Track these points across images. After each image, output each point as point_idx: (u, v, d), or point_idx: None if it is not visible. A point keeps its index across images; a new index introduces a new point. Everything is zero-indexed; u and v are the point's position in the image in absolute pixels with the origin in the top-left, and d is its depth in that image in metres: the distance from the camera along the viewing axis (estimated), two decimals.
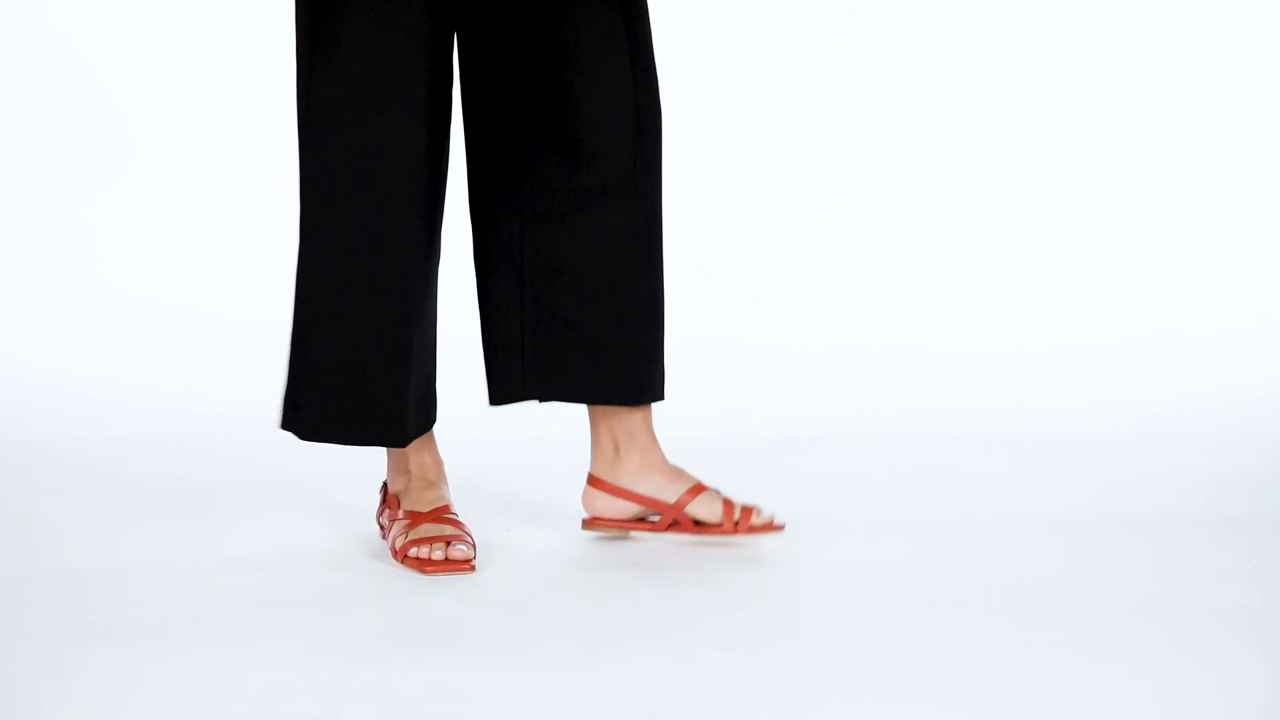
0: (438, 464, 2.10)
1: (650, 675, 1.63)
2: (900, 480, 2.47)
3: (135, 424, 2.86)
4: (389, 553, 2.04)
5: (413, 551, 1.98)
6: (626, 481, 2.11)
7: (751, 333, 3.50)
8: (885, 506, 2.31)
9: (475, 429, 2.77)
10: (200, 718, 1.52)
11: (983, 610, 1.84)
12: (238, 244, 3.66)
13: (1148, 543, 2.12)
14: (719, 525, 2.09)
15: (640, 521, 2.12)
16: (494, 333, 2.13)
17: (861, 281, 3.62)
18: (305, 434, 2.06)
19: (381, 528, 2.09)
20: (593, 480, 2.13)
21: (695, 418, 2.83)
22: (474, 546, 1.99)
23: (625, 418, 2.12)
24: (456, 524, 2.02)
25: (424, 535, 1.99)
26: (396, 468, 2.09)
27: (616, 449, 2.12)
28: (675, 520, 2.10)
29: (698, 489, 2.10)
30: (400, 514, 2.04)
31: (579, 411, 2.18)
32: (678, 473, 2.12)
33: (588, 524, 2.14)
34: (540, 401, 2.15)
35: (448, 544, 1.97)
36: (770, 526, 2.10)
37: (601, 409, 2.13)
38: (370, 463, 2.28)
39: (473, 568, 1.97)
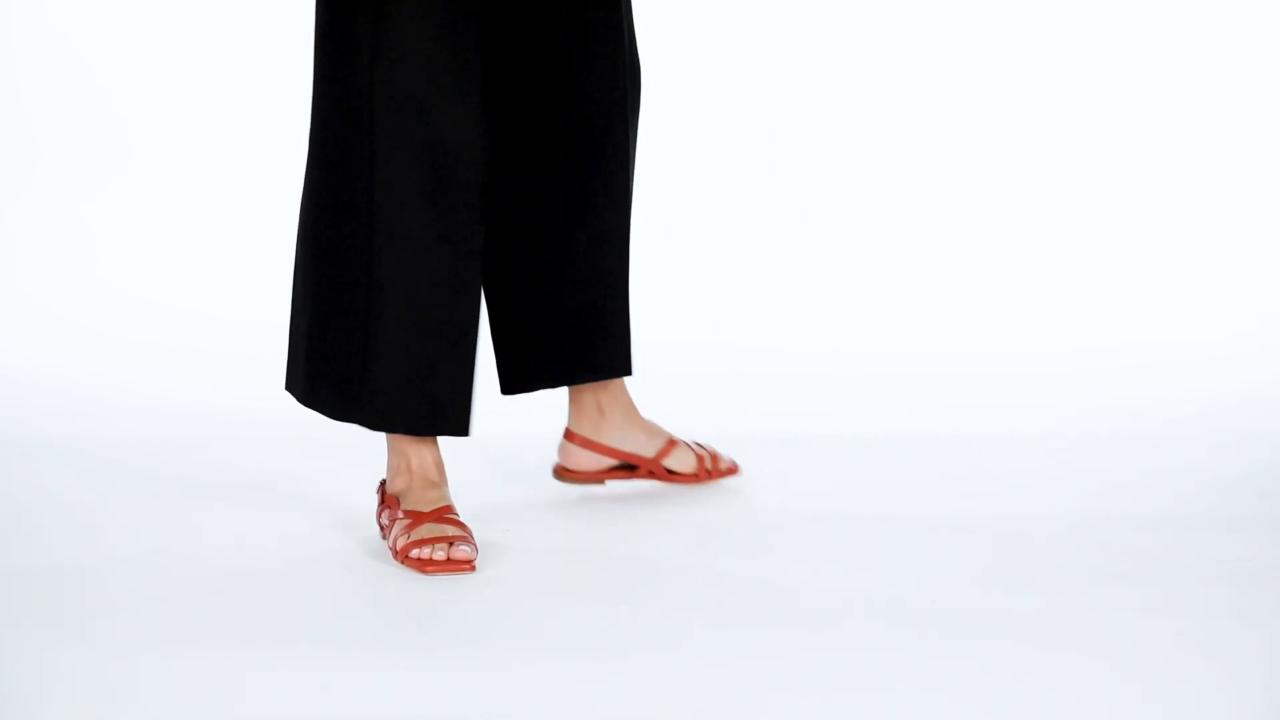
0: (439, 464, 2.10)
1: (650, 675, 1.63)
2: (899, 480, 2.47)
3: (135, 424, 2.86)
4: (389, 553, 2.03)
5: (414, 552, 1.97)
6: (612, 439, 2.30)
7: (751, 333, 3.50)
8: (884, 506, 2.31)
9: (475, 428, 2.76)
10: (200, 718, 1.52)
11: (983, 610, 1.84)
12: (238, 244, 3.65)
13: (1148, 543, 2.12)
14: (693, 475, 2.35)
15: (614, 471, 2.32)
16: (504, 324, 2.23)
17: (861, 282, 3.62)
18: (374, 424, 2.07)
19: (382, 528, 2.09)
20: (572, 436, 2.31)
21: (696, 418, 2.82)
22: (476, 548, 1.99)
23: (610, 382, 2.30)
24: (459, 524, 2.02)
25: (426, 536, 1.98)
26: (398, 468, 2.09)
27: (601, 410, 2.30)
28: (651, 470, 2.33)
29: (672, 443, 2.34)
30: (400, 514, 2.03)
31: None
32: (655, 429, 2.33)
33: (563, 475, 2.33)
34: (552, 388, 2.28)
35: (450, 544, 1.97)
36: (732, 470, 2.39)
37: None
38: (370, 463, 2.28)
39: (473, 568, 1.97)
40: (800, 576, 2.00)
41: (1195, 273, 3.57)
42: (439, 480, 2.08)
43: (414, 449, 2.08)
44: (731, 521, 2.24)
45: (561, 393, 2.37)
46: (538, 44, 2.16)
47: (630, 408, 2.32)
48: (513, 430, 2.71)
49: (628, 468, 2.33)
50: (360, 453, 2.39)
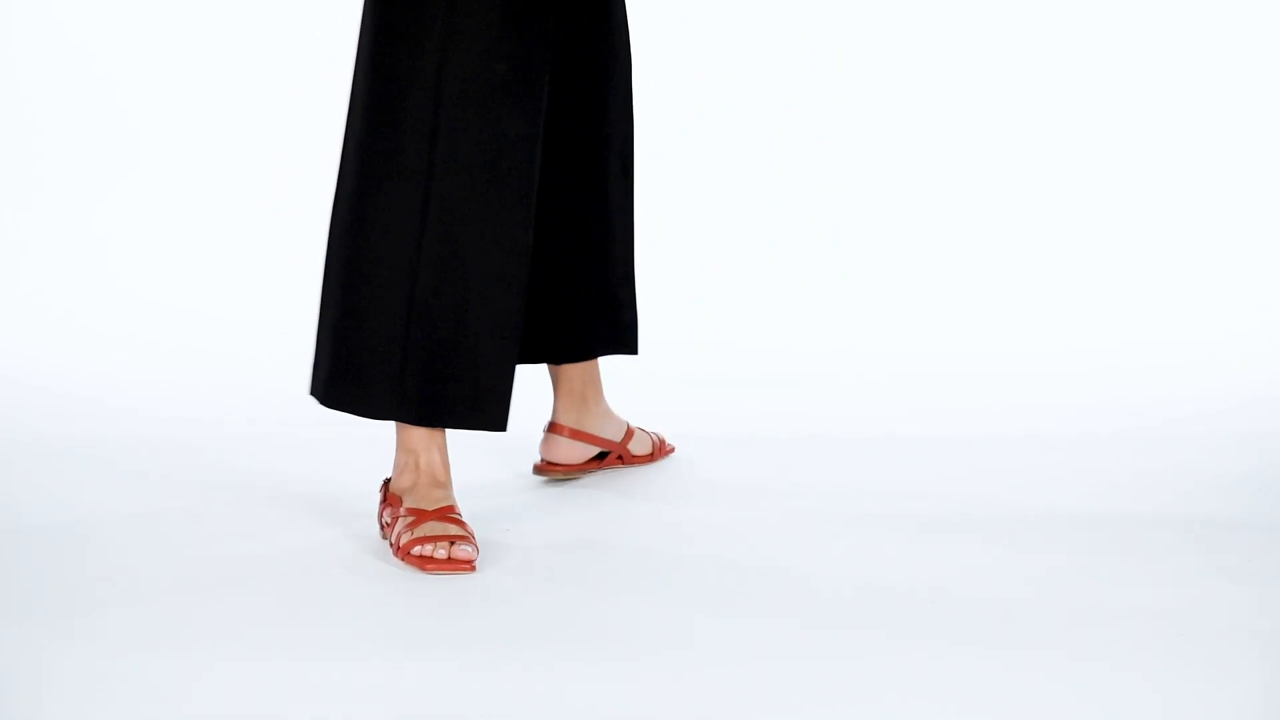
0: (446, 464, 2.10)
1: (650, 675, 1.63)
2: (899, 480, 2.47)
3: (135, 424, 2.86)
4: (389, 550, 2.03)
5: (415, 550, 1.97)
6: (593, 426, 2.40)
7: (751, 333, 3.50)
8: (884, 507, 2.31)
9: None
10: (200, 718, 1.52)
11: (982, 611, 1.84)
12: (244, 245, 3.66)
13: (1148, 543, 2.12)
14: (649, 456, 2.51)
15: (591, 461, 2.43)
16: (533, 301, 2.29)
17: (861, 281, 3.62)
18: (418, 419, 2.05)
19: (383, 526, 2.09)
20: (557, 428, 2.39)
21: (695, 417, 2.83)
22: (477, 548, 1.99)
23: (591, 369, 2.40)
24: (461, 524, 2.02)
25: (428, 534, 1.98)
26: (405, 465, 2.08)
27: (585, 397, 2.39)
28: (620, 455, 2.47)
29: (631, 429, 2.48)
30: (403, 511, 2.03)
31: None
32: (616, 416, 2.46)
33: (545, 470, 2.40)
34: (571, 362, 2.37)
35: (451, 543, 1.97)
36: (670, 450, 2.56)
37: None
38: (371, 463, 2.28)
39: (473, 568, 1.97)
40: (800, 576, 2.00)
41: (1195, 273, 3.57)
42: (445, 480, 2.08)
43: (424, 447, 2.08)
44: (731, 521, 2.24)
45: (548, 394, 2.43)
46: (563, 44, 2.21)
47: (602, 395, 2.43)
48: (513, 431, 2.71)
49: (601, 455, 2.45)
50: (363, 452, 2.40)
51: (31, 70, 3.77)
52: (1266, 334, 3.38)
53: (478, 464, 2.44)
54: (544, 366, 2.41)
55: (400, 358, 2.03)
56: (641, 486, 2.40)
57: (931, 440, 2.73)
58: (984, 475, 2.50)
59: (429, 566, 1.96)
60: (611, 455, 2.46)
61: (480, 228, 2.01)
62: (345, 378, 2.05)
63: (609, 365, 2.49)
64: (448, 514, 2.02)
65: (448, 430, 2.11)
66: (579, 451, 2.42)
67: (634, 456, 2.50)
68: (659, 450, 2.55)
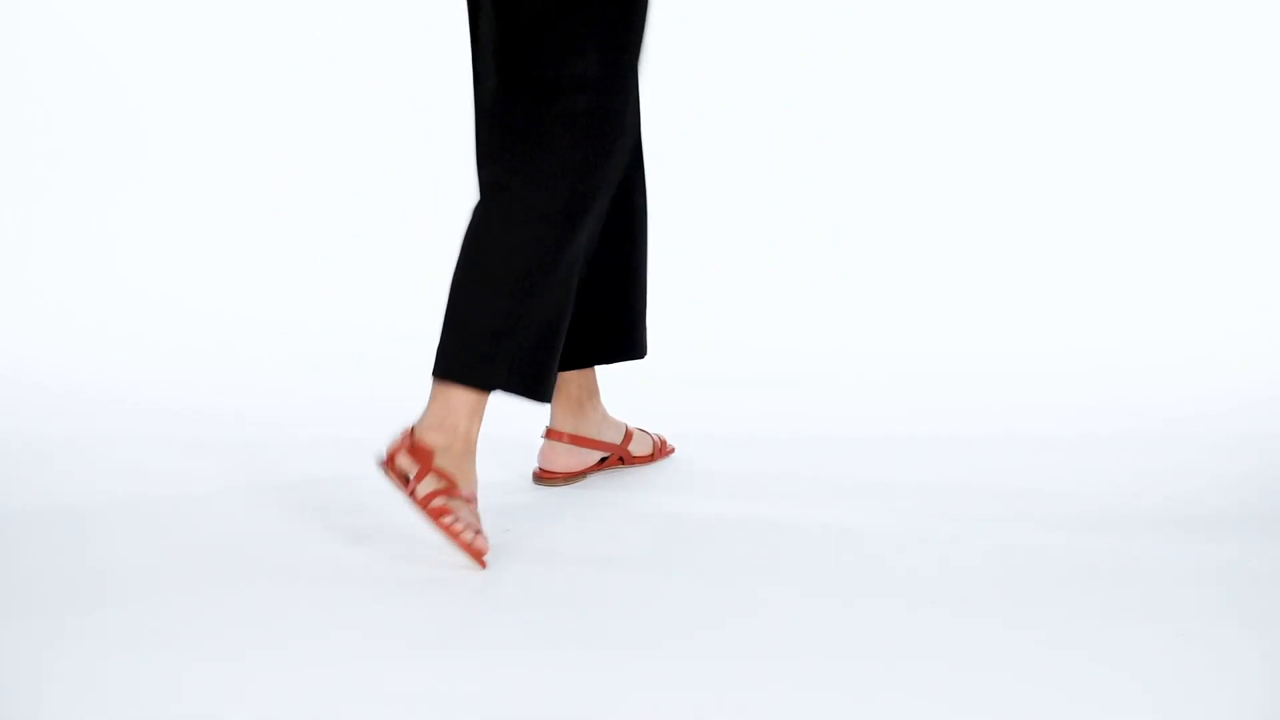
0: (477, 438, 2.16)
1: (650, 675, 1.63)
2: (899, 481, 2.47)
3: (135, 424, 2.86)
4: (402, 496, 2.07)
5: (447, 519, 2.02)
6: (591, 431, 2.43)
7: (752, 333, 3.50)
8: (884, 507, 2.31)
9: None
10: (200, 717, 1.52)
11: (983, 611, 1.84)
12: (254, 246, 3.66)
13: (1148, 543, 2.12)
14: (649, 456, 2.53)
15: (591, 467, 2.43)
16: None
17: (861, 281, 3.62)
18: (544, 396, 2.15)
19: (398, 469, 2.08)
20: (555, 434, 2.41)
21: (695, 417, 2.83)
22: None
23: (589, 374, 2.42)
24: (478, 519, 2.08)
25: (462, 514, 2.04)
26: (446, 426, 2.09)
27: (581, 402, 2.42)
28: (620, 457, 2.48)
29: (630, 431, 2.50)
30: (435, 471, 2.06)
31: None
32: (614, 419, 2.48)
33: (544, 478, 2.41)
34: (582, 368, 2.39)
35: (476, 533, 2.04)
36: (670, 451, 2.57)
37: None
38: (370, 463, 2.28)
39: (484, 565, 2.02)
40: (801, 576, 2.00)
41: (1195, 274, 3.57)
42: (474, 453, 2.13)
43: (471, 419, 2.10)
44: (732, 521, 2.24)
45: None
46: None
47: (599, 399, 2.46)
48: (513, 431, 2.72)
49: (602, 460, 2.46)
50: (366, 453, 2.40)
51: (42, 72, 3.78)
52: (1266, 334, 3.38)
53: (478, 464, 2.44)
54: None
55: (539, 343, 2.13)
56: (642, 486, 2.40)
57: (931, 440, 2.74)
58: (983, 475, 2.50)
59: (453, 539, 2.01)
60: (612, 457, 2.47)
61: (596, 226, 2.20)
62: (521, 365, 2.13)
63: (610, 366, 2.49)
64: (473, 506, 2.08)
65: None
66: (578, 459, 2.43)
67: (634, 457, 2.51)
68: (659, 451, 2.56)
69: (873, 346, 3.39)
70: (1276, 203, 3.67)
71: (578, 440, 2.42)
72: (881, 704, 1.55)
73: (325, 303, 3.58)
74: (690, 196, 3.71)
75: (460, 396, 2.08)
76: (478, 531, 2.03)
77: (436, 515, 2.02)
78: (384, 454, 2.08)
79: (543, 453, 2.42)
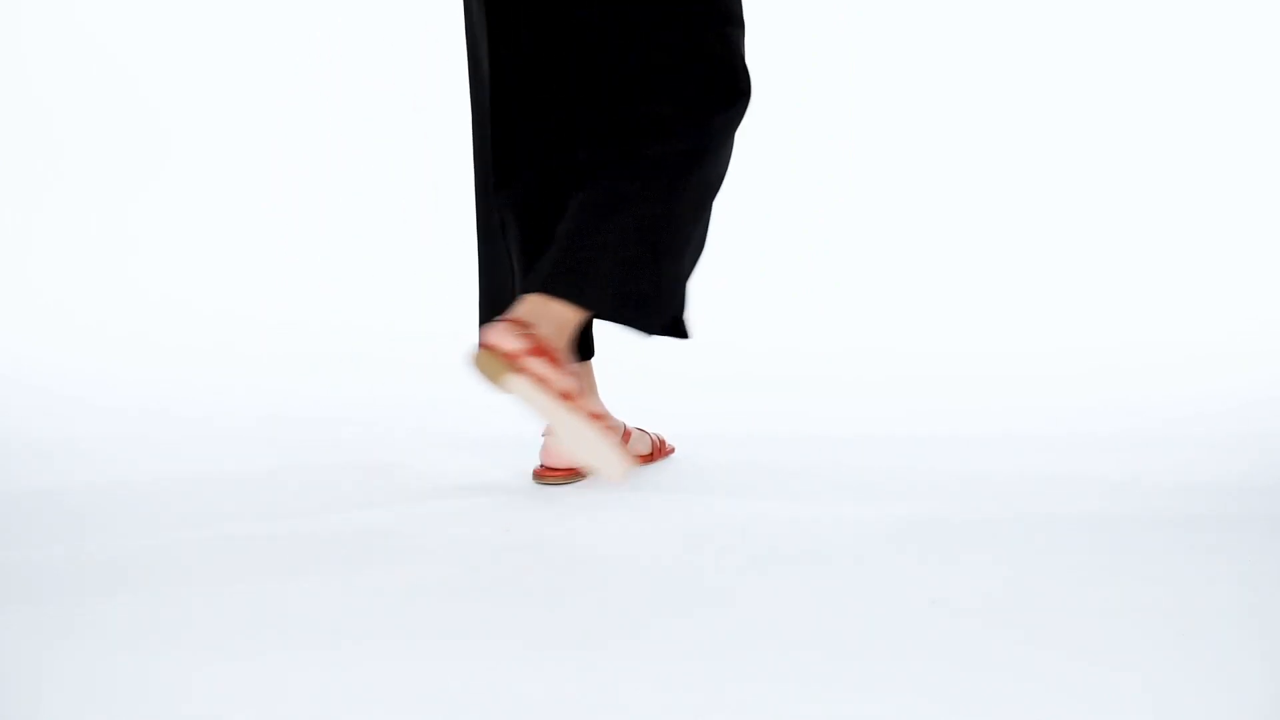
0: None
1: (650, 675, 1.63)
2: (899, 481, 2.47)
3: (136, 424, 2.86)
4: (566, 398, 2.14)
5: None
6: None
7: (751, 334, 3.50)
8: (884, 507, 2.31)
9: (475, 428, 2.77)
10: (201, 716, 1.52)
11: (983, 611, 1.84)
12: (254, 246, 3.66)
13: (1148, 543, 2.12)
14: (649, 456, 2.55)
15: None
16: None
17: (861, 283, 3.62)
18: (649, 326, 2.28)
19: (549, 351, 2.13)
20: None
21: (695, 417, 2.83)
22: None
23: (586, 373, 2.45)
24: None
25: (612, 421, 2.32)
26: (574, 371, 2.21)
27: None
28: None
29: (628, 430, 2.53)
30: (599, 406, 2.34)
31: None
32: (613, 418, 2.51)
33: (545, 476, 2.40)
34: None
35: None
36: (670, 450, 2.59)
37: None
38: (380, 463, 2.28)
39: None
40: (800, 575, 2.00)
41: (1195, 274, 3.58)
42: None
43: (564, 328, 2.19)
44: (731, 521, 2.24)
45: None
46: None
47: (598, 397, 2.49)
48: (512, 431, 2.71)
49: None
50: (366, 453, 2.39)
51: (43, 73, 3.78)
52: (1266, 334, 3.38)
53: (478, 464, 2.44)
54: None
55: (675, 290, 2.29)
56: (641, 486, 2.40)
57: (931, 440, 2.74)
58: (983, 475, 2.50)
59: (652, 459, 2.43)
60: None
61: None
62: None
63: (610, 366, 2.50)
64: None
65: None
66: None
67: (634, 457, 2.51)
68: (659, 450, 2.57)
69: (873, 347, 3.39)
70: (1276, 203, 3.67)
71: None
72: (881, 704, 1.55)
73: (325, 303, 3.58)
74: None
75: (558, 308, 2.18)
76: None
77: (607, 429, 2.15)
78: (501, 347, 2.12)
79: (544, 450, 2.43)
